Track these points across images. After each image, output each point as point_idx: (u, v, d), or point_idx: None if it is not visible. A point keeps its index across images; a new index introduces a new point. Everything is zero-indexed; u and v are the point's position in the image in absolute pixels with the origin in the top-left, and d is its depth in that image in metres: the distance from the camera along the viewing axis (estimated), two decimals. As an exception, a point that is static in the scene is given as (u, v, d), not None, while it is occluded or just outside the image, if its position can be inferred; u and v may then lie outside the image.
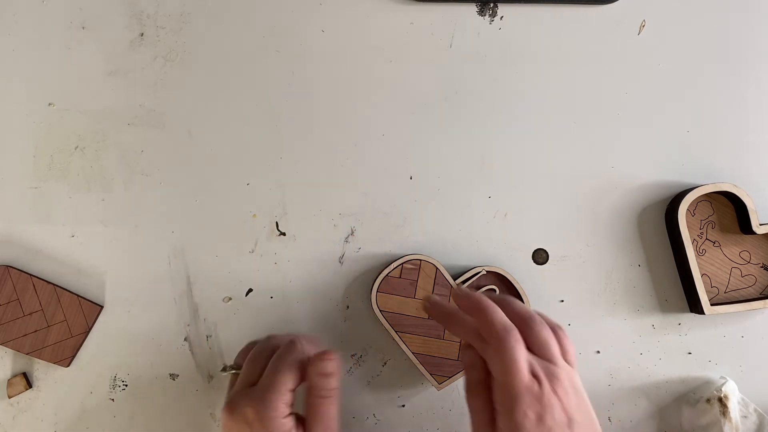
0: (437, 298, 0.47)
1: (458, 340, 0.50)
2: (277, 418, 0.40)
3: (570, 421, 0.39)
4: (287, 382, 0.41)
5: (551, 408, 0.38)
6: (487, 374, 0.40)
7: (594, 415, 0.41)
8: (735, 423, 0.49)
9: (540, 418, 0.38)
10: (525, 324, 0.40)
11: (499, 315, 0.40)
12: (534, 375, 0.39)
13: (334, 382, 0.42)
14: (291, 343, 0.43)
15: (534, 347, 0.40)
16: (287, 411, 0.41)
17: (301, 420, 0.41)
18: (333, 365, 0.42)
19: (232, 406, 0.41)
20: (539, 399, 0.38)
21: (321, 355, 0.41)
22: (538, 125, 0.52)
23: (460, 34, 0.52)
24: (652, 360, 0.52)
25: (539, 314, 0.41)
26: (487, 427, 0.39)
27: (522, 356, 0.38)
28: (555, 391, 0.39)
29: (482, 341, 0.40)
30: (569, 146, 0.52)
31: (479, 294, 0.41)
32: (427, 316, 0.50)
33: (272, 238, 0.51)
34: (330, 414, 0.41)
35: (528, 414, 0.38)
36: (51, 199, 0.51)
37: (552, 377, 0.39)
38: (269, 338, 0.45)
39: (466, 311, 0.41)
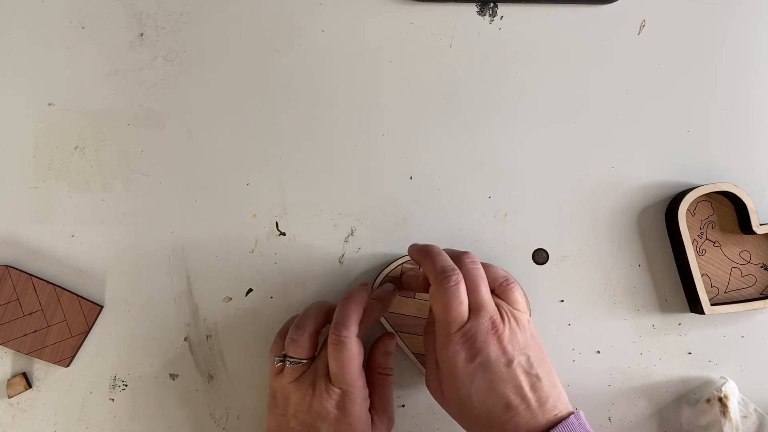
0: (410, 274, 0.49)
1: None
2: (361, 406, 0.43)
3: (509, 362, 0.40)
4: (358, 373, 0.43)
5: (486, 346, 0.40)
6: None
7: (547, 362, 0.42)
8: (735, 423, 0.49)
9: (472, 356, 0.40)
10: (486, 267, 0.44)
11: (441, 260, 0.42)
12: (472, 310, 0.41)
13: (391, 361, 0.47)
14: (334, 336, 0.43)
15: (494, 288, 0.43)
16: (366, 393, 0.43)
17: None
18: (393, 345, 0.48)
19: (319, 394, 0.42)
20: (472, 337, 0.40)
21: (387, 337, 0.48)
22: (538, 125, 0.52)
23: (460, 34, 0.52)
24: (652, 360, 0.52)
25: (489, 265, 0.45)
26: (435, 363, 0.42)
27: (455, 296, 0.40)
28: (495, 330, 0.40)
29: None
30: (569, 146, 0.52)
31: (429, 244, 0.44)
32: (426, 316, 0.50)
33: (272, 238, 0.51)
34: (388, 388, 0.47)
35: (459, 351, 0.40)
36: (51, 199, 0.51)
37: (500, 317, 0.41)
38: (311, 316, 0.46)
39: (417, 261, 0.44)
